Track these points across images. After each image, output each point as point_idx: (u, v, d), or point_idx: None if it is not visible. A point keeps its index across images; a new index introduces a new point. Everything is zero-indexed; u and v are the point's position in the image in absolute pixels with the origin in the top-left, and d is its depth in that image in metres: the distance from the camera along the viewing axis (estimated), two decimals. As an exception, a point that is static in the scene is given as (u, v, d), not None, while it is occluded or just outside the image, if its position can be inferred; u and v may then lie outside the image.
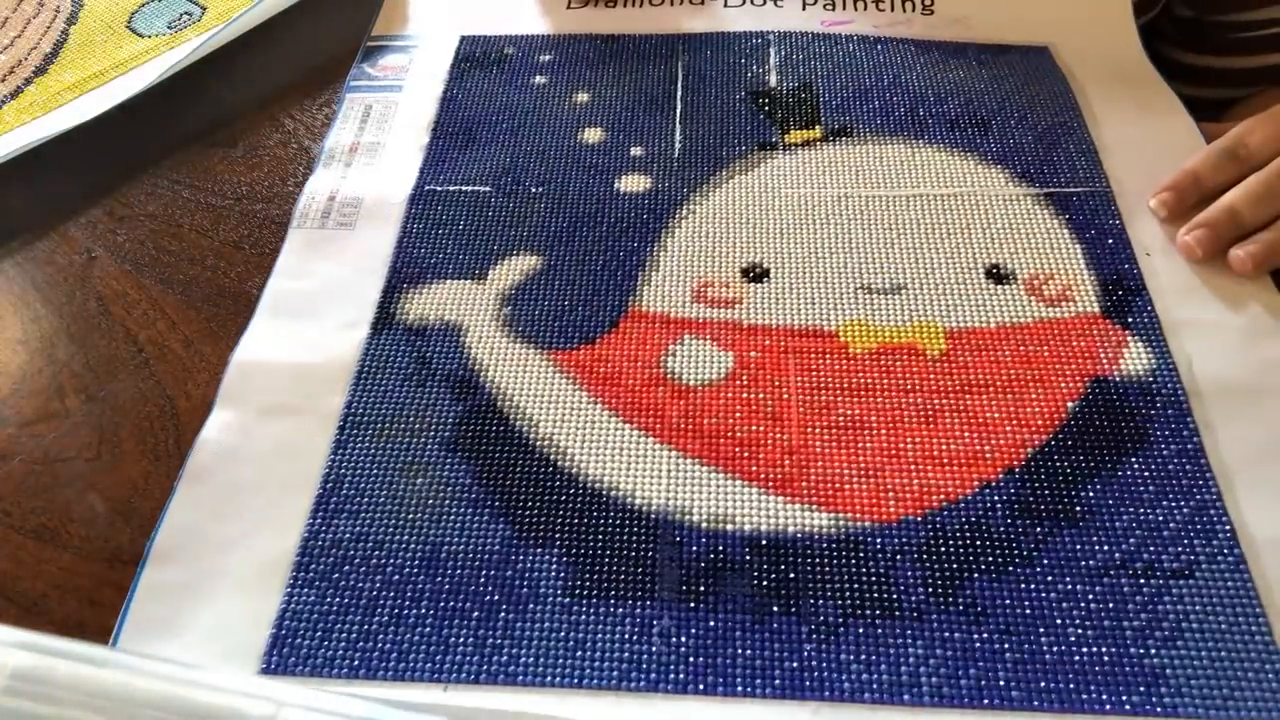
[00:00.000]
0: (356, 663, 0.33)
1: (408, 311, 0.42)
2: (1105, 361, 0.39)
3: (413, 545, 0.35)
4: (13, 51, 0.55)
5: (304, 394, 0.39)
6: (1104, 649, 0.31)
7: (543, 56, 0.53)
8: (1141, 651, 0.31)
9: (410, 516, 0.36)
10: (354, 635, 0.33)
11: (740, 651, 0.32)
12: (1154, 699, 0.30)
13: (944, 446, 0.37)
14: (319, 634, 0.33)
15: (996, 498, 0.35)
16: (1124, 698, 0.30)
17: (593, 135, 0.49)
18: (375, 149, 0.49)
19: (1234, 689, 0.30)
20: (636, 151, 0.48)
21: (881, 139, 0.48)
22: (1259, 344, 0.40)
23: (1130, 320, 0.41)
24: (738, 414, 0.38)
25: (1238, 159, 0.44)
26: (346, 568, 0.35)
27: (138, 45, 0.55)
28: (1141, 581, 0.33)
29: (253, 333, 0.42)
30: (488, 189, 0.47)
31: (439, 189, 0.47)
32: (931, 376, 0.39)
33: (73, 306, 0.45)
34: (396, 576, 0.34)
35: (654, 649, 0.32)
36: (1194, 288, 0.42)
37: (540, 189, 0.47)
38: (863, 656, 0.32)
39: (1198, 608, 0.32)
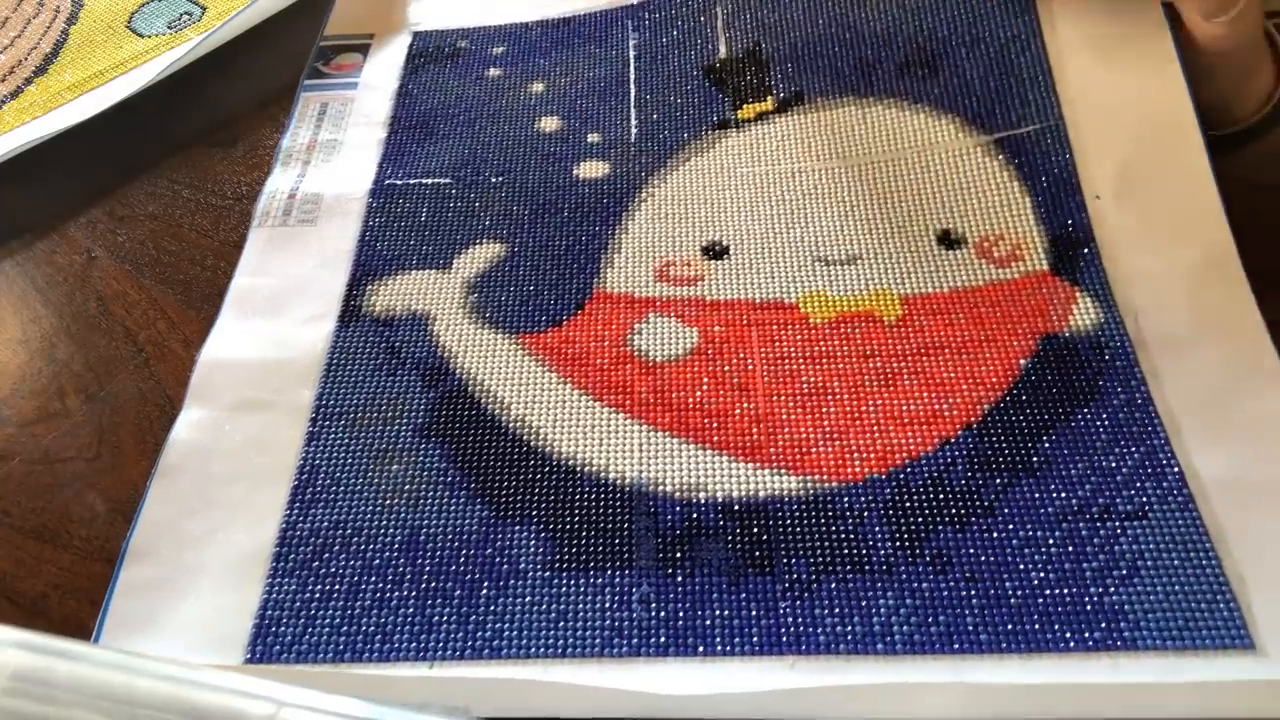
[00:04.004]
0: (341, 646, 0.33)
1: (374, 303, 0.42)
2: (1055, 319, 0.40)
3: (392, 530, 0.36)
4: (13, 51, 0.55)
5: (274, 389, 0.40)
6: (1065, 590, 0.33)
7: (495, 49, 0.53)
8: (1100, 591, 0.33)
9: (388, 502, 0.36)
10: (337, 620, 0.34)
11: (718, 612, 0.33)
12: (1114, 635, 0.32)
13: (904, 407, 0.38)
14: (302, 621, 0.34)
15: (956, 453, 0.36)
16: (1086, 635, 0.32)
17: (549, 124, 0.49)
18: (333, 146, 0.49)
19: (1188, 621, 0.32)
20: (593, 138, 0.49)
21: (831, 101, 0.49)
22: (1202, 291, 0.40)
23: (1079, 276, 0.41)
24: (705, 387, 0.39)
25: None
26: (326, 555, 0.35)
27: (138, 45, 0.55)
28: (1098, 525, 0.34)
29: (219, 331, 0.42)
30: (447, 181, 0.47)
31: (399, 183, 0.47)
32: (889, 342, 0.40)
33: (73, 306, 0.45)
34: (377, 561, 0.35)
35: (634, 615, 0.33)
36: (1142, 232, 0.42)
37: (500, 179, 0.47)
38: (836, 610, 0.33)
39: (1151, 547, 0.34)
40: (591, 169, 0.47)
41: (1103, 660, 0.31)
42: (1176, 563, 0.33)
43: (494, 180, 0.47)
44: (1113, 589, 0.33)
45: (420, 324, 0.42)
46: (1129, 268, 0.41)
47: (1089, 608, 0.32)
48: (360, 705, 0.28)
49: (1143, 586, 0.33)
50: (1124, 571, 0.33)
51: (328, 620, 0.34)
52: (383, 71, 0.52)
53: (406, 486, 0.37)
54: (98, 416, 0.41)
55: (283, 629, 0.34)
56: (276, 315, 0.42)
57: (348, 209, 0.46)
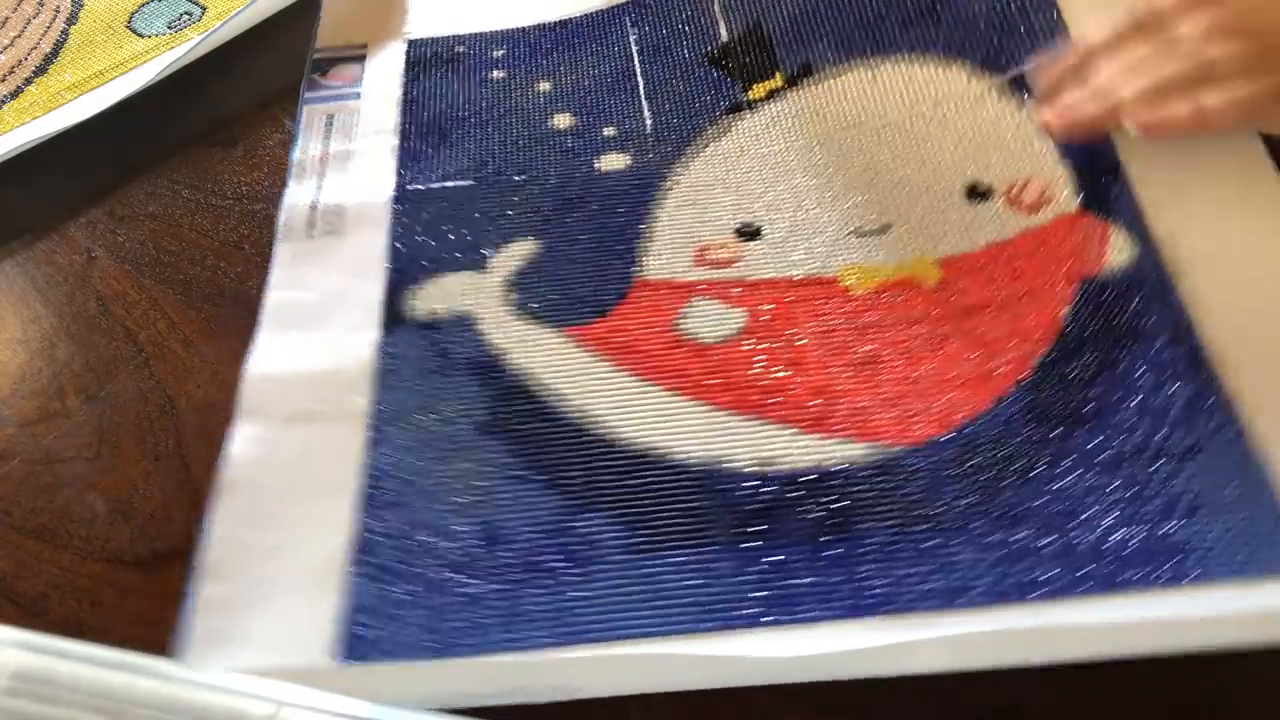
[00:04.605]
0: (435, 643, 0.33)
1: (416, 308, 0.42)
2: (1091, 260, 0.41)
3: (469, 526, 0.36)
4: (13, 51, 0.55)
5: (326, 399, 0.40)
6: (1131, 532, 0.34)
7: (495, 51, 0.53)
8: (1165, 530, 0.34)
9: (460, 500, 0.37)
10: (427, 618, 0.34)
11: (803, 580, 0.34)
12: (1183, 571, 0.33)
13: (956, 369, 0.39)
14: (392, 622, 0.34)
15: (1012, 409, 0.37)
16: (1155, 574, 0.33)
17: (562, 121, 0.50)
18: (346, 156, 0.48)
19: (1251, 551, 0.33)
20: (609, 132, 0.49)
21: (840, 68, 0.49)
22: (1237, 206, 0.40)
23: (1110, 210, 0.42)
24: (759, 364, 0.40)
25: (1142, 27, 0.41)
26: (406, 556, 0.35)
27: (138, 45, 0.55)
28: (1154, 467, 0.35)
29: (261, 347, 0.41)
30: (470, 182, 0.47)
31: (421, 187, 0.47)
32: (933, 306, 0.41)
33: (73, 306, 0.45)
34: (457, 558, 0.35)
35: (720, 589, 0.34)
36: (1171, 149, 0.42)
37: (522, 177, 0.47)
38: (917, 569, 0.34)
39: (1209, 483, 0.35)
40: (612, 161, 0.48)
41: (1173, 595, 0.32)
42: (1234, 496, 0.34)
43: (516, 179, 0.47)
44: (1176, 527, 0.34)
45: (466, 325, 0.42)
46: (1160, 190, 0.42)
47: (1155, 548, 0.33)
48: (360, 705, 0.28)
49: (1204, 522, 0.34)
50: (1185, 509, 0.34)
51: (417, 619, 0.34)
52: (383, 80, 0.52)
53: (477, 483, 0.37)
54: (98, 416, 0.41)
55: (372, 631, 0.34)
56: (317, 327, 0.42)
57: (373, 217, 0.46)
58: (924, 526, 0.35)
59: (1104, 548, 0.34)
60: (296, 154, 0.48)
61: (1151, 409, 0.37)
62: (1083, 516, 0.34)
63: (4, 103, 0.52)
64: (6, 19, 0.57)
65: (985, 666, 0.31)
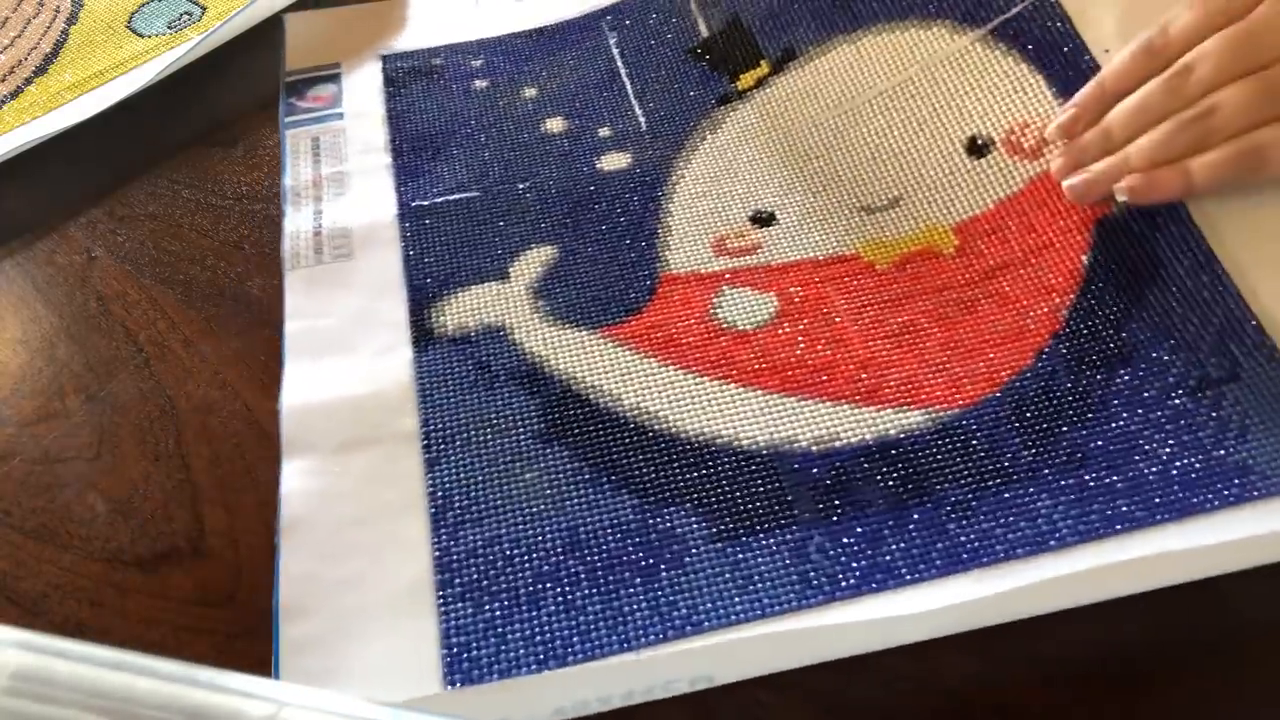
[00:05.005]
0: (542, 654, 0.33)
1: (444, 324, 0.42)
2: (1101, 200, 0.42)
3: (549, 535, 0.36)
4: (13, 51, 0.55)
5: (372, 423, 0.39)
6: (1192, 459, 0.35)
7: (474, 61, 0.53)
8: (1223, 453, 0.35)
9: (534, 509, 0.36)
10: (529, 631, 0.33)
11: (894, 546, 0.35)
12: (1248, 488, 0.34)
13: (992, 328, 0.40)
14: (492, 640, 0.33)
15: (1054, 360, 0.39)
16: (1225, 493, 0.34)
17: (555, 125, 0.49)
18: (340, 178, 0.48)
19: None
20: (604, 132, 0.49)
21: (823, 47, 0.49)
22: None
23: None
24: (801, 345, 0.40)
25: (1154, 53, 0.40)
26: (492, 572, 0.35)
27: (138, 45, 0.55)
28: (1200, 396, 0.37)
29: (291, 379, 0.40)
30: (475, 194, 0.47)
31: (426, 203, 0.47)
32: (956, 272, 0.42)
33: (73, 306, 0.45)
34: (546, 567, 0.35)
35: (816, 566, 0.34)
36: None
37: (526, 184, 0.47)
38: (1002, 520, 0.35)
39: (1254, 403, 0.36)
40: (614, 161, 0.48)
41: (1244, 512, 0.34)
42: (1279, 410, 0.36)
43: (520, 186, 0.47)
44: (1232, 448, 0.35)
45: (498, 336, 0.42)
46: None
47: (1218, 470, 0.35)
48: (360, 705, 0.28)
49: (1258, 440, 0.35)
50: (1236, 432, 0.36)
51: (518, 633, 0.33)
52: (363, 98, 0.51)
53: (547, 491, 0.37)
54: (98, 416, 0.41)
55: (474, 651, 0.33)
56: (346, 353, 0.41)
57: (382, 237, 0.45)
58: (997, 481, 0.36)
59: (1170, 476, 0.35)
60: (288, 180, 0.48)
61: (1186, 341, 0.38)
62: (1143, 451, 0.36)
63: (4, 103, 0.52)
64: (6, 19, 0.57)
65: (1089, 602, 0.33)
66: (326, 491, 0.37)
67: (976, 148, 0.44)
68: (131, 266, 0.46)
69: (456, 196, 0.47)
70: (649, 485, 0.37)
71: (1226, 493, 0.34)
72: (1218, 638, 0.33)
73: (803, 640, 0.33)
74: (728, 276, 0.43)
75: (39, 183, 0.49)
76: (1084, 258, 0.41)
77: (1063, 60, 0.45)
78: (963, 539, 0.34)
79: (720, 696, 0.33)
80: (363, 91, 0.52)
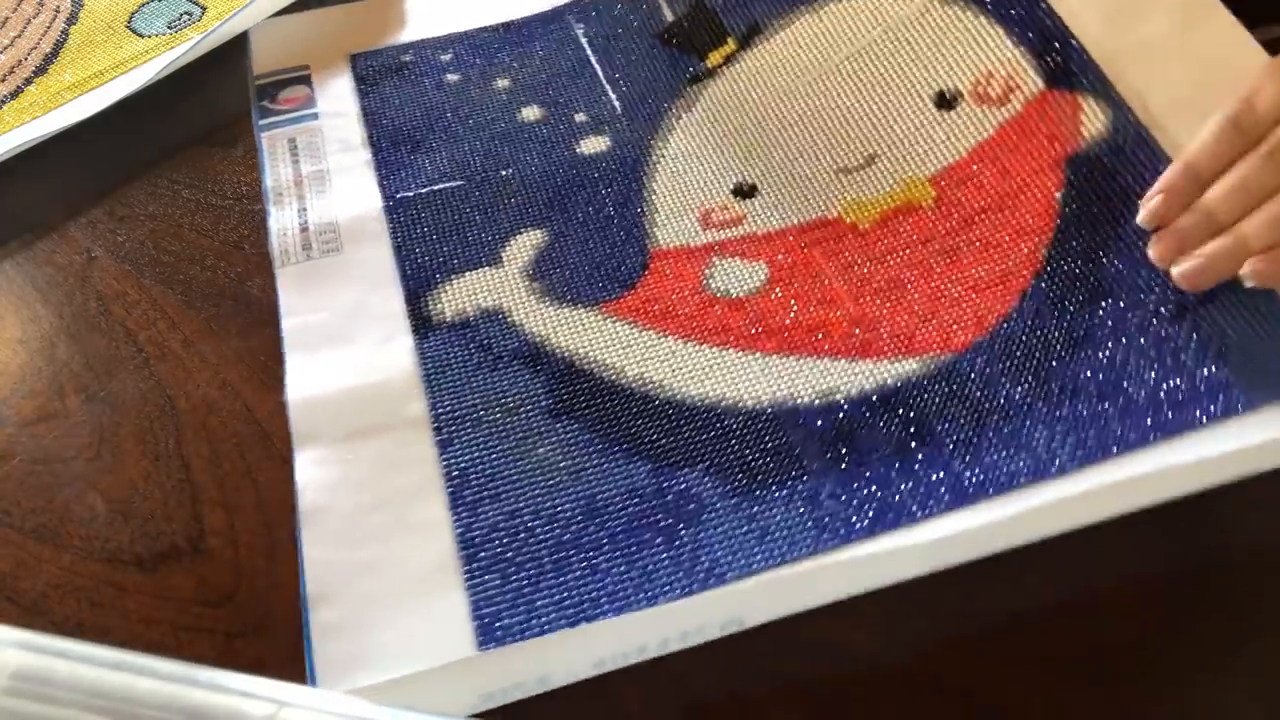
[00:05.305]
0: (573, 614, 0.34)
1: (442, 311, 0.43)
2: (1070, 135, 0.44)
3: (568, 505, 0.37)
4: (13, 51, 0.55)
5: (381, 411, 0.40)
6: (1178, 381, 0.37)
7: (443, 56, 0.53)
8: (1205, 372, 0.37)
9: (551, 482, 0.37)
10: (558, 596, 0.34)
11: (902, 486, 0.36)
12: (1231, 401, 0.36)
13: (975, 275, 0.41)
14: (521, 606, 0.34)
15: (1038, 300, 0.40)
16: (1211, 409, 0.36)
17: (531, 113, 0.50)
18: (322, 176, 0.48)
19: (1270, 367, 0.37)
20: (580, 118, 0.50)
21: (786, 20, 0.51)
22: (1192, 41, 0.43)
23: (1074, 80, 0.45)
24: (794, 308, 0.42)
25: (1242, 129, 0.39)
26: (516, 544, 0.36)
27: (138, 45, 0.55)
28: (1180, 319, 0.39)
29: (294, 373, 0.41)
30: (459, 183, 0.47)
31: (410, 194, 0.47)
32: (936, 223, 0.43)
33: (73, 306, 0.45)
34: (567, 535, 0.36)
35: (829, 510, 0.36)
36: (1115, 8, 0.45)
37: (509, 171, 0.48)
38: (1003, 454, 0.36)
39: (1229, 322, 0.38)
40: (593, 144, 0.49)
41: (1230, 425, 0.36)
42: (1253, 326, 0.38)
43: (504, 174, 0.48)
44: (1213, 368, 0.37)
45: (498, 319, 0.42)
46: (1114, 50, 0.44)
47: (1203, 387, 0.37)
48: (360, 705, 0.28)
49: (1236, 358, 0.37)
50: (1215, 352, 0.38)
51: (547, 598, 0.34)
52: (337, 98, 0.51)
53: (562, 464, 0.38)
54: (98, 416, 0.41)
55: (505, 619, 0.34)
56: (346, 345, 0.42)
57: (370, 230, 0.46)
58: (995, 418, 0.37)
59: (1158, 399, 0.37)
60: (269, 181, 0.47)
61: (1160, 270, 0.39)
62: (1130, 377, 0.38)
63: (4, 103, 0.52)
64: (6, 19, 0.57)
65: (1095, 521, 0.34)
66: (342, 479, 0.38)
67: (945, 100, 0.46)
68: (131, 266, 0.46)
69: (440, 187, 0.47)
70: (660, 450, 0.38)
71: (1212, 408, 0.36)
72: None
73: (823, 577, 0.34)
74: (717, 248, 0.44)
75: (39, 183, 0.50)
76: (1058, 194, 0.42)
77: (1021, 11, 0.47)
78: (967, 474, 0.36)
79: (719, 696, 0.33)
80: (336, 91, 0.52)
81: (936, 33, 0.48)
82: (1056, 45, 0.45)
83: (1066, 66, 0.45)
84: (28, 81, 0.53)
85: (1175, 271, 0.39)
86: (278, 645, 0.35)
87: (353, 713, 0.27)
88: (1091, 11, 0.46)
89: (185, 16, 0.56)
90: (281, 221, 0.46)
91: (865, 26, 0.49)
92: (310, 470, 0.38)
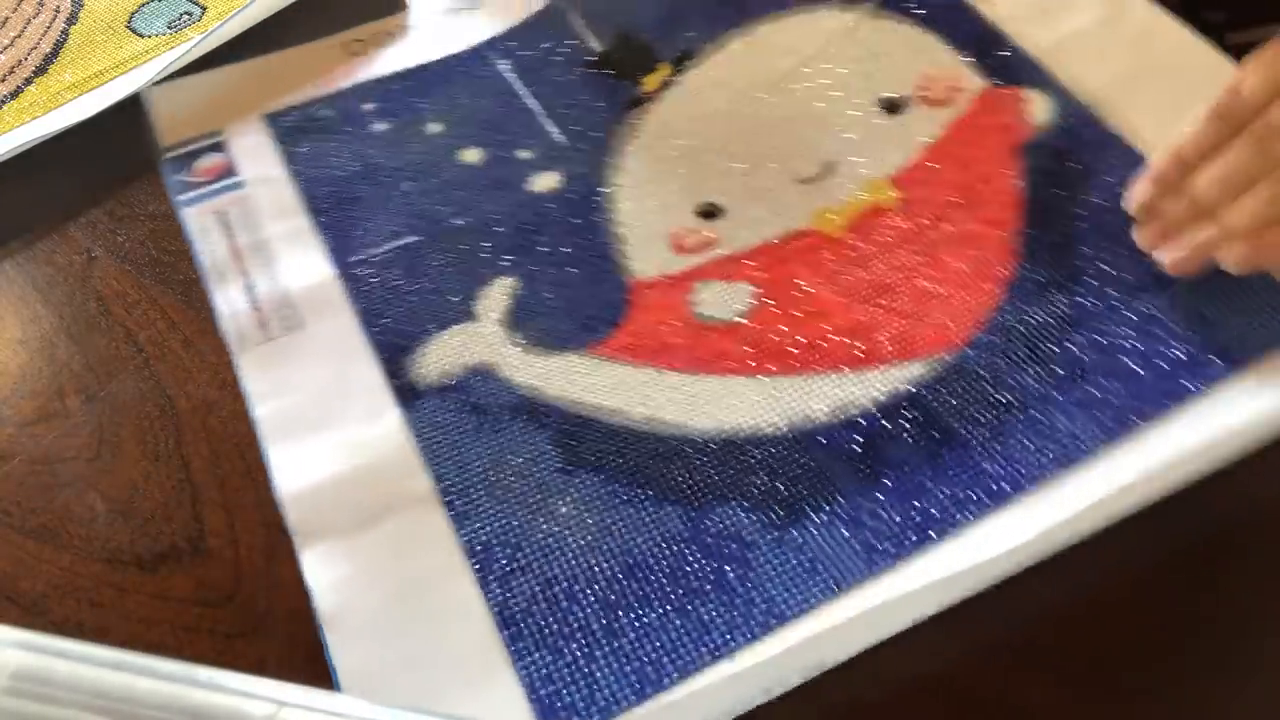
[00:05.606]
0: (639, 683, 0.32)
1: (426, 376, 0.40)
2: (1020, 126, 0.45)
3: (605, 563, 0.35)
4: (13, 51, 0.55)
5: (383, 493, 0.37)
6: (1174, 349, 0.38)
7: (365, 106, 0.51)
8: (1196, 335, 0.39)
9: (582, 542, 0.36)
10: (616, 664, 0.33)
11: (939, 493, 0.36)
12: (1226, 362, 0.38)
13: (958, 270, 0.42)
14: (580, 681, 0.32)
15: (1023, 288, 0.41)
16: (1209, 371, 0.38)
17: (472, 156, 0.48)
18: (261, 247, 0.45)
19: (1268, 327, 0.39)
20: (524, 154, 0.48)
21: (718, 45, 0.51)
22: (1120, 29, 0.46)
23: (1014, 75, 0.46)
24: (786, 326, 0.41)
25: (1227, 119, 0.39)
26: (559, 613, 0.34)
27: (138, 45, 0.55)
28: (1161, 292, 0.40)
29: (280, 466, 0.38)
30: (414, 238, 0.45)
31: (363, 257, 0.44)
32: (906, 222, 0.44)
33: (73, 306, 0.45)
34: (612, 596, 0.34)
35: (874, 529, 0.35)
36: (1043, 8, 0.47)
37: (463, 219, 0.46)
38: (1028, 445, 0.37)
39: (1205, 285, 0.39)
40: (545, 181, 0.47)
41: (1232, 381, 0.37)
42: (1234, 287, 0.39)
43: (458, 223, 0.46)
44: (1202, 330, 0.39)
45: (485, 376, 0.40)
46: (1046, 41, 0.46)
47: (1199, 352, 0.38)
48: (360, 705, 0.28)
49: (1222, 318, 0.39)
50: (1196, 318, 0.39)
51: (605, 667, 0.33)
52: (260, 162, 0.49)
53: (588, 520, 0.36)
54: (98, 416, 0.41)
55: (567, 697, 0.32)
56: (330, 427, 0.39)
57: (328, 299, 0.43)
58: (1014, 409, 0.38)
59: (1159, 368, 0.38)
60: (205, 260, 0.45)
61: (1132, 242, 0.41)
62: (1128, 351, 0.39)
63: (4, 103, 0.52)
64: (6, 19, 0.57)
65: (1142, 505, 0.35)
66: (357, 574, 0.35)
67: (893, 105, 0.47)
68: (131, 266, 0.46)
69: (395, 245, 0.45)
70: (687, 491, 0.37)
71: (1210, 372, 0.38)
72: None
73: (894, 605, 0.33)
74: (696, 273, 0.43)
75: (39, 183, 0.49)
76: (1018, 184, 0.43)
77: (949, 19, 0.48)
78: (998, 470, 0.36)
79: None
80: (256, 155, 0.49)
81: (871, 45, 0.49)
82: (990, 46, 0.47)
83: (1004, 63, 0.47)
84: (28, 81, 0.53)
85: (1164, 259, 0.40)
86: (278, 645, 0.35)
87: (353, 713, 0.27)
88: (1022, 12, 0.47)
89: (185, 16, 0.56)
90: (230, 302, 0.43)
91: (800, 44, 0.50)
92: (321, 571, 0.35)
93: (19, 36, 0.56)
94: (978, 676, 0.33)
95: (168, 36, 0.55)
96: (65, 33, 0.56)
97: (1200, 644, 0.33)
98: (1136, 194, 0.41)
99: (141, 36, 0.55)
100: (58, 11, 0.57)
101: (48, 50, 0.55)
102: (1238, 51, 0.53)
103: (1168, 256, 0.40)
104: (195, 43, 0.52)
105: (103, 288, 0.45)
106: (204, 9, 0.57)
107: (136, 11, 0.57)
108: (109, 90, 0.52)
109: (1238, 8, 0.53)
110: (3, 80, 0.53)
